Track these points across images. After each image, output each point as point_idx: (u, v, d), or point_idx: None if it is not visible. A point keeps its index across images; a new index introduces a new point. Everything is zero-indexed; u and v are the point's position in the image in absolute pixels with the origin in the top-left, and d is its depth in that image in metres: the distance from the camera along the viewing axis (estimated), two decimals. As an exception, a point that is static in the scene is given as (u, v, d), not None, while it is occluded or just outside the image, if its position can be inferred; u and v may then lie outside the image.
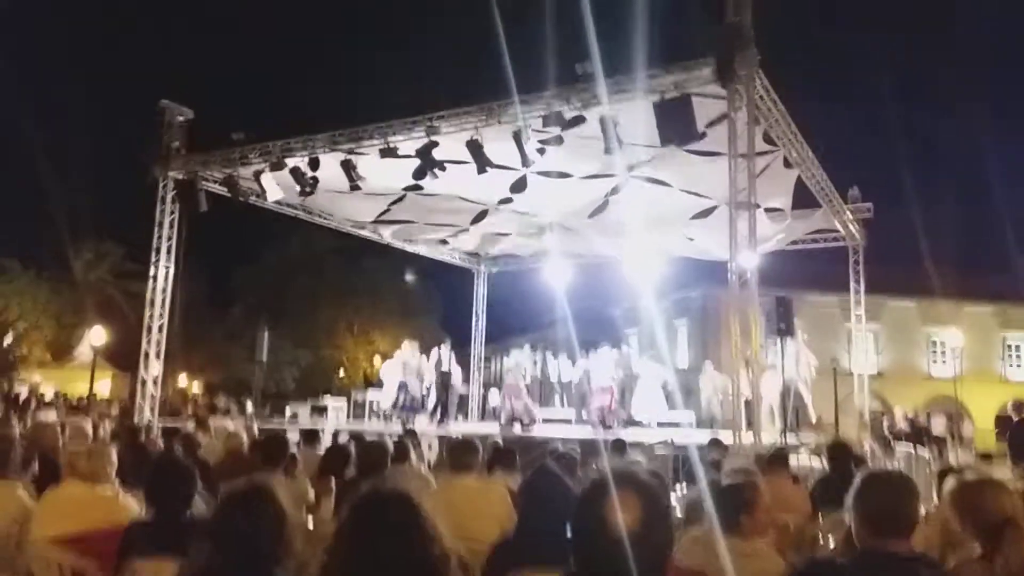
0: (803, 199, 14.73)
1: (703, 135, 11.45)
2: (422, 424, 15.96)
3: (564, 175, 13.75)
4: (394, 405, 16.39)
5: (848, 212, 16.16)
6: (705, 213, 14.70)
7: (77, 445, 6.91)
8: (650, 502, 1.58)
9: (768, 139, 12.13)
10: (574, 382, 16.49)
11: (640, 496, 1.57)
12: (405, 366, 16.30)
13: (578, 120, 11.33)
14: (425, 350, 18.06)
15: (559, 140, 11.54)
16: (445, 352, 17.28)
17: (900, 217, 31.60)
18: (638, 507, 1.55)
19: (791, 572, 2.88)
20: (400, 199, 15.50)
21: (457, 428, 15.31)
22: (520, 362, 15.74)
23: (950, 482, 3.04)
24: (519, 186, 13.85)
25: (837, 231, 16.47)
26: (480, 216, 16.64)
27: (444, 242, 19.87)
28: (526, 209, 15.70)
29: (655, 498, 1.59)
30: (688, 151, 12.41)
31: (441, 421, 16.02)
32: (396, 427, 15.05)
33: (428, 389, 16.69)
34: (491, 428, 15.08)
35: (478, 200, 15.52)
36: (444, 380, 16.44)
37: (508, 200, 15.01)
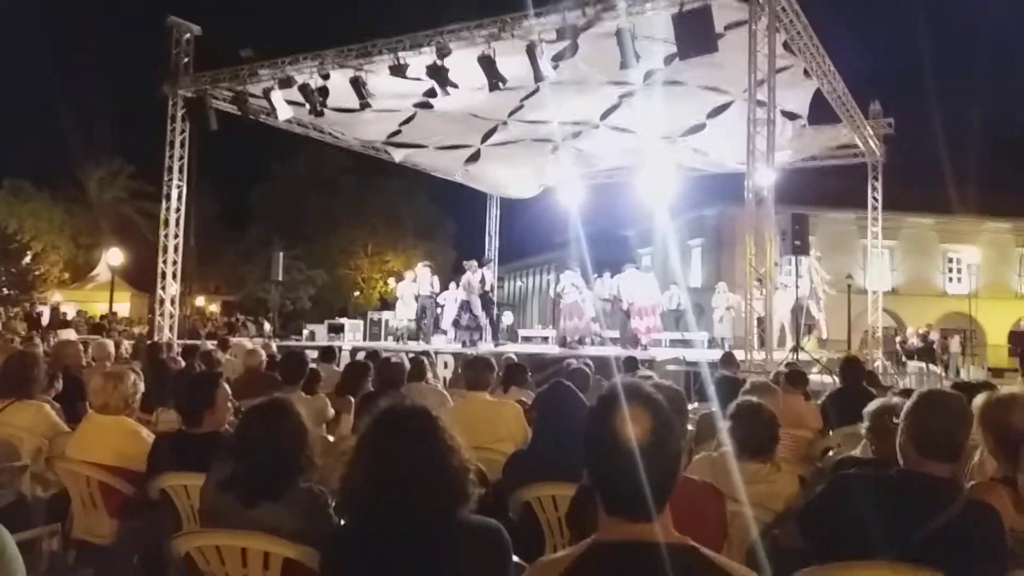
0: (822, 114, 14.40)
1: (720, 35, 11.09)
2: (439, 343, 16.13)
3: (578, 82, 13.44)
4: (455, 324, 16.24)
5: (868, 127, 15.82)
6: (721, 109, 14.26)
7: (101, 365, 7.09)
8: (659, 414, 1.59)
9: (788, 49, 11.79)
10: (607, 302, 15.92)
11: (649, 408, 1.59)
12: (468, 285, 15.94)
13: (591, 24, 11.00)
14: (438, 271, 18.08)
15: (574, 49, 11.17)
16: (489, 273, 17.18)
17: (922, 133, 31.01)
18: (647, 419, 1.57)
19: (819, 484, 2.89)
20: (411, 118, 15.25)
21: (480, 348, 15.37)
22: (575, 282, 15.19)
23: (979, 398, 3.03)
24: (531, 93, 13.61)
25: (856, 147, 16.16)
26: (490, 132, 16.38)
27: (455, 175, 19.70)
28: (536, 117, 15.36)
29: (664, 410, 1.61)
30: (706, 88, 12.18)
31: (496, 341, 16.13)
32: (413, 346, 15.24)
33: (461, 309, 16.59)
34: (513, 347, 15.06)
35: (489, 116, 15.27)
36: (487, 299, 16.42)
37: (519, 108, 14.74)
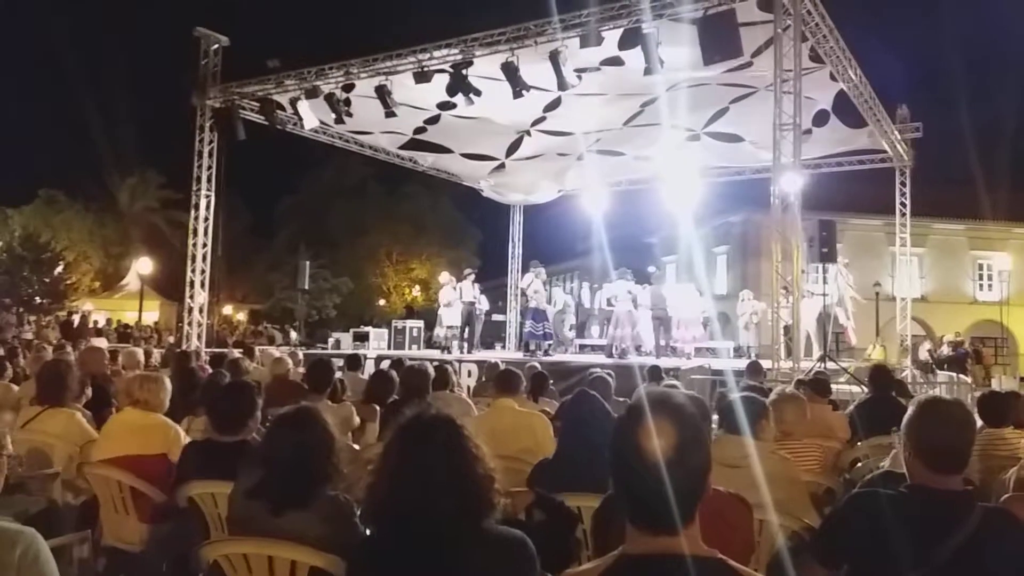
0: (850, 120, 14.25)
1: (749, 64, 11.10)
2: (456, 353, 16.03)
3: (600, 94, 13.48)
4: (532, 335, 15.56)
5: (896, 132, 15.64)
6: (746, 95, 14.17)
7: (131, 371, 7.18)
8: (686, 426, 1.58)
9: (815, 57, 11.71)
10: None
11: (675, 420, 1.57)
12: (536, 294, 15.44)
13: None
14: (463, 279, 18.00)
15: (599, 39, 11.15)
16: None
17: (951, 138, 30.56)
18: (673, 431, 1.56)
19: (839, 498, 2.86)
20: (436, 118, 15.26)
21: (498, 355, 15.34)
22: (631, 290, 14.95)
23: None
24: (553, 104, 13.63)
25: (884, 151, 15.98)
26: (515, 145, 16.41)
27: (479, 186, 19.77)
28: (559, 127, 15.38)
29: (691, 422, 1.59)
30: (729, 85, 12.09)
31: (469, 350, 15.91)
32: (436, 355, 15.21)
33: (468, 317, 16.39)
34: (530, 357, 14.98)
35: (511, 123, 15.30)
36: (471, 310, 16.19)
37: (541, 119, 14.77)
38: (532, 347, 15.40)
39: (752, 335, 17.29)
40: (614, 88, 13.19)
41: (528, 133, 15.81)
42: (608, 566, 1.62)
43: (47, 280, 33.89)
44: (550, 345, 15.70)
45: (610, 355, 13.94)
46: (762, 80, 11.97)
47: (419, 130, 16.19)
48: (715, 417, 3.81)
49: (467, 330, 16.08)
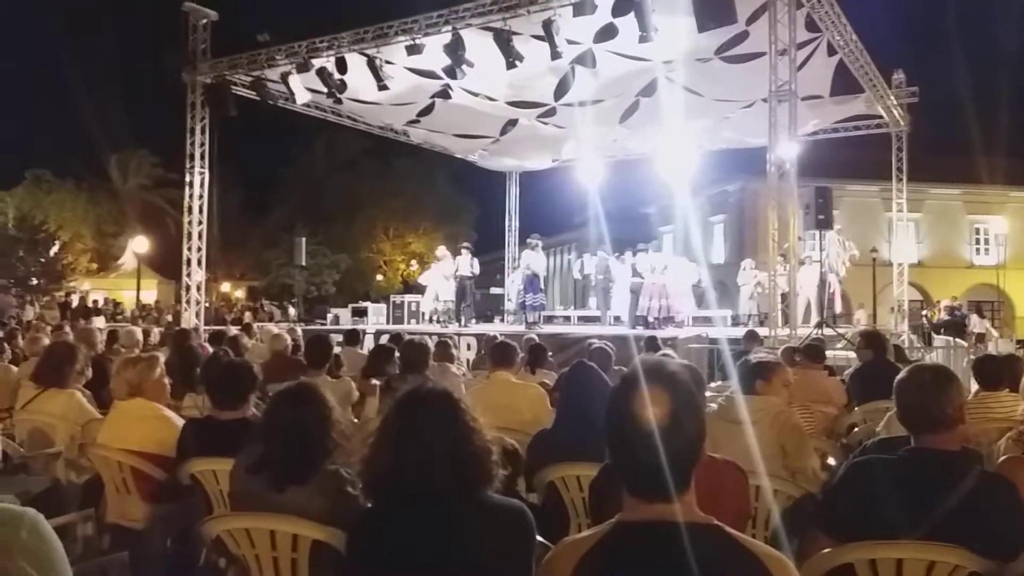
0: (845, 85, 14.16)
1: (745, 34, 11.00)
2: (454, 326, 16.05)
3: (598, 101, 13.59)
4: (522, 305, 15.66)
5: (892, 97, 15.55)
6: (743, 107, 14.28)
7: (130, 352, 7.19)
8: (680, 394, 1.59)
9: (811, 25, 11.61)
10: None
11: (669, 389, 1.58)
12: (531, 266, 15.45)
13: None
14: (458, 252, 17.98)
15: (592, 8, 11.04)
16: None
17: (948, 102, 30.38)
18: (667, 400, 1.57)
19: (843, 460, 2.92)
20: (429, 107, 15.25)
21: (496, 328, 15.35)
22: (654, 262, 15.03)
23: None
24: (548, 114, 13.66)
25: (880, 117, 15.90)
26: (509, 125, 16.37)
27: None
28: (555, 122, 15.44)
29: (685, 390, 1.60)
30: (725, 58, 12.04)
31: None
32: (436, 329, 15.24)
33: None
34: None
35: (506, 115, 15.32)
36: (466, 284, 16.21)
37: (539, 115, 14.83)
38: (531, 319, 15.43)
39: (755, 303, 17.32)
40: (609, 92, 13.42)
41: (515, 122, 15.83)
42: (605, 534, 1.64)
43: (43, 260, 33.80)
44: (538, 318, 15.67)
45: (645, 327, 13.93)
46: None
47: (411, 122, 16.18)
48: (717, 384, 4.01)
49: (461, 303, 16.11)
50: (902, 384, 2.55)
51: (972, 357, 9.79)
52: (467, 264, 16.02)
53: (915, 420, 2.50)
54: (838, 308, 16.50)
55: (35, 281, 32.79)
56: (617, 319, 15.72)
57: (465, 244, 17.25)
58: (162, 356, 4.41)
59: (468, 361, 12.08)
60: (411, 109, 15.42)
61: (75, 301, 26.36)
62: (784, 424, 3.70)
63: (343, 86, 13.50)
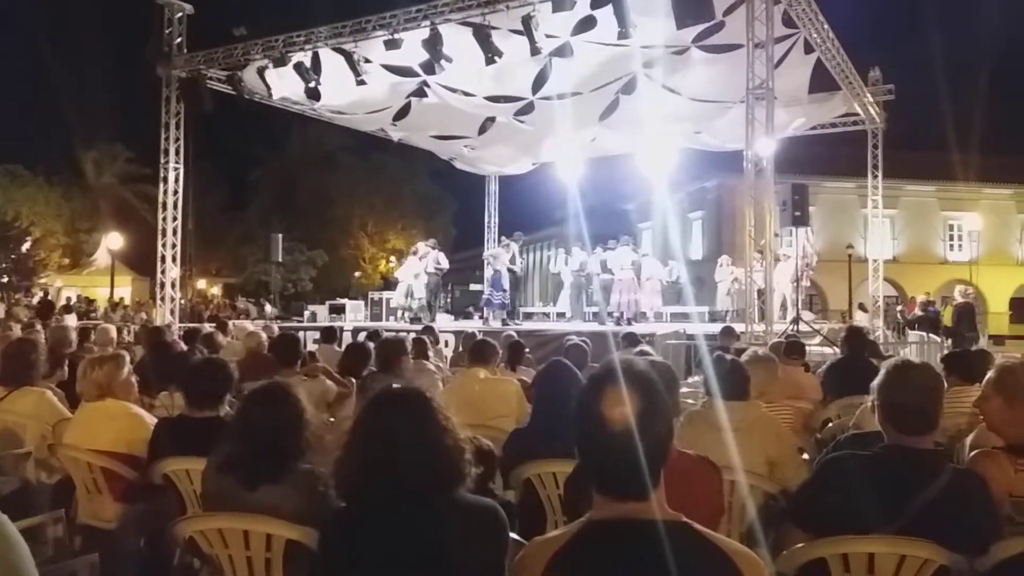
0: (822, 83, 14.27)
1: (721, 24, 11.05)
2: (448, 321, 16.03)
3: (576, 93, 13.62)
4: (487, 303, 15.60)
5: (868, 94, 15.69)
6: (721, 112, 14.32)
7: (103, 350, 7.09)
8: (647, 393, 1.59)
9: (788, 22, 11.68)
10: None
11: (636, 388, 1.58)
12: (496, 259, 15.53)
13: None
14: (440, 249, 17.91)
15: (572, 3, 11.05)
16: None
17: (923, 100, 30.70)
18: (634, 399, 1.56)
19: (817, 456, 2.92)
20: (406, 108, 15.21)
21: (475, 325, 15.30)
22: (633, 258, 15.11)
23: (994, 368, 3.03)
24: (525, 110, 13.78)
25: (857, 114, 16.04)
26: (488, 121, 16.36)
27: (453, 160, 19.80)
28: (531, 122, 15.42)
29: (650, 388, 1.60)
30: (703, 47, 12.07)
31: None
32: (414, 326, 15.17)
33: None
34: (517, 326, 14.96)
35: (484, 114, 15.34)
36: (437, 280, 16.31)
37: (515, 112, 14.77)
38: (489, 316, 15.44)
39: (733, 300, 17.42)
40: (587, 85, 13.46)
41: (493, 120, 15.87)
42: (575, 532, 1.64)
43: (14, 257, 33.25)
44: (507, 313, 15.58)
45: (617, 322, 14.04)
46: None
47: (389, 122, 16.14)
48: (694, 380, 3.89)
49: (432, 299, 16.15)
50: (902, 385, 2.48)
51: (945, 352, 9.91)
52: (433, 260, 16.06)
53: (911, 422, 2.46)
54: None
55: (5, 278, 32.24)
56: (595, 315, 15.76)
57: (431, 240, 17.29)
58: (128, 355, 4.33)
59: (447, 358, 12.03)
60: (386, 115, 15.41)
61: (49, 295, 25.97)
62: (768, 432, 3.57)
63: (320, 79, 13.40)
